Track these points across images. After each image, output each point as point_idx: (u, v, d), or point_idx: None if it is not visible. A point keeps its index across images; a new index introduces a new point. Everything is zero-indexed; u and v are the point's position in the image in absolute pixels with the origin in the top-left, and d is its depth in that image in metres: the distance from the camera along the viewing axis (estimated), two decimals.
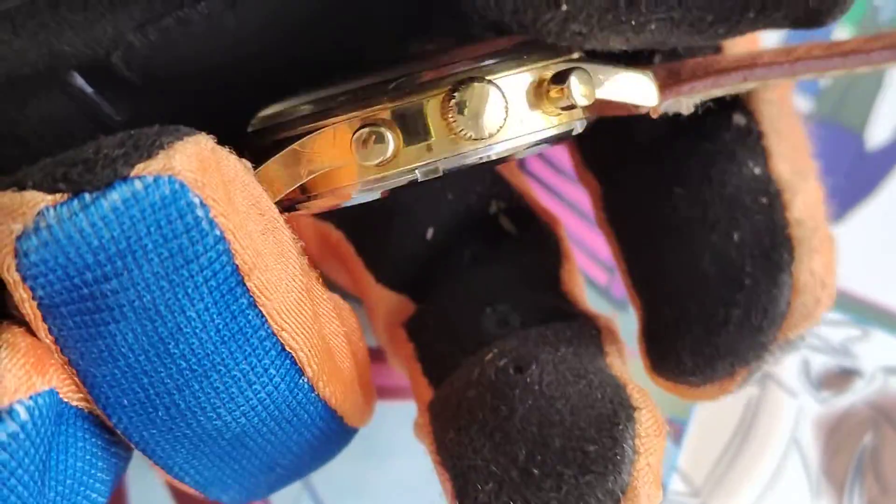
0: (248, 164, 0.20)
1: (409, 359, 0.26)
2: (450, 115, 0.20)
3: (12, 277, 0.17)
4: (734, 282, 0.23)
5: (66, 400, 0.19)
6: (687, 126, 0.25)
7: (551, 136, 0.22)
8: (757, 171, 0.24)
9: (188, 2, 0.21)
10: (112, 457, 0.21)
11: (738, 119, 0.25)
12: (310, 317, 0.21)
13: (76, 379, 0.19)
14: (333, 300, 0.23)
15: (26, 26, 0.20)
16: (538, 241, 0.27)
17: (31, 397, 0.18)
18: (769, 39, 0.34)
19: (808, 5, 0.20)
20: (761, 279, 0.23)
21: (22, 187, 0.17)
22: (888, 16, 0.37)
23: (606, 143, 0.26)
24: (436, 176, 0.21)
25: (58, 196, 0.17)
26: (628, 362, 0.25)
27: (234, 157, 0.19)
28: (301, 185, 0.21)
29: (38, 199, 0.17)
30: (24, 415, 0.18)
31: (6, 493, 0.18)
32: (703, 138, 0.25)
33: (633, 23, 0.20)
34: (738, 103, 0.25)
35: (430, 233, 0.26)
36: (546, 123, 0.21)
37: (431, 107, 0.20)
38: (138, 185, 0.17)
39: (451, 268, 0.26)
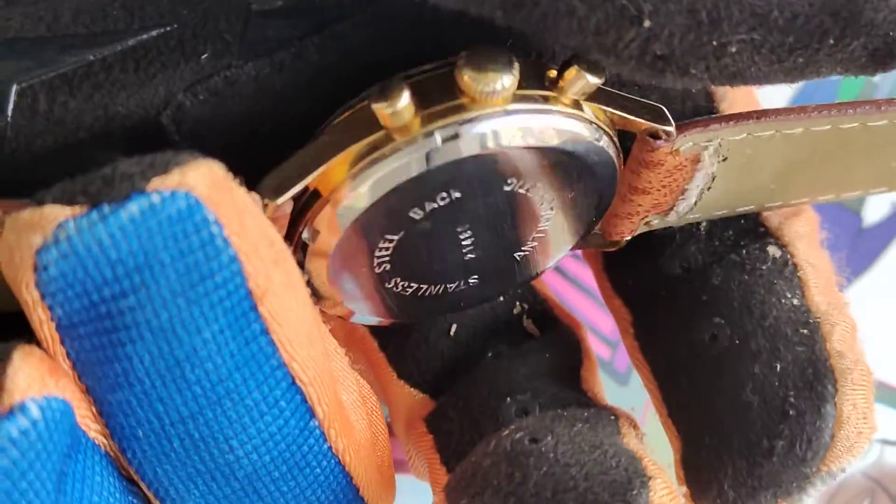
0: (258, 198, 0.20)
1: (427, 450, 0.26)
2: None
3: (31, 296, 0.17)
4: (778, 412, 0.23)
5: (82, 427, 0.19)
6: (720, 257, 0.25)
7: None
8: (795, 301, 0.25)
9: (236, 63, 0.21)
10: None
11: (774, 251, 0.25)
12: (320, 355, 0.20)
13: (93, 409, 0.19)
14: (354, 373, 0.23)
15: (82, 88, 0.21)
16: (560, 342, 0.27)
17: (44, 398, 0.17)
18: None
19: (890, 35, 0.20)
20: (806, 410, 0.23)
21: (41, 203, 0.17)
22: (886, 90, 0.38)
23: (636, 272, 0.27)
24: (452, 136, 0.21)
25: (77, 209, 0.17)
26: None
27: (243, 189, 0.19)
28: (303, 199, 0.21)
29: (57, 213, 0.17)
30: (35, 412, 0.17)
31: (17, 497, 0.16)
32: (740, 270, 0.25)
33: (715, 43, 0.19)
34: (770, 236, 0.26)
35: (453, 329, 0.27)
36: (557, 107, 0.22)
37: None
38: (155, 198, 0.17)
39: (474, 364, 0.27)
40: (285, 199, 0.21)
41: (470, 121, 0.21)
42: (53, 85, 0.20)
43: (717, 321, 0.25)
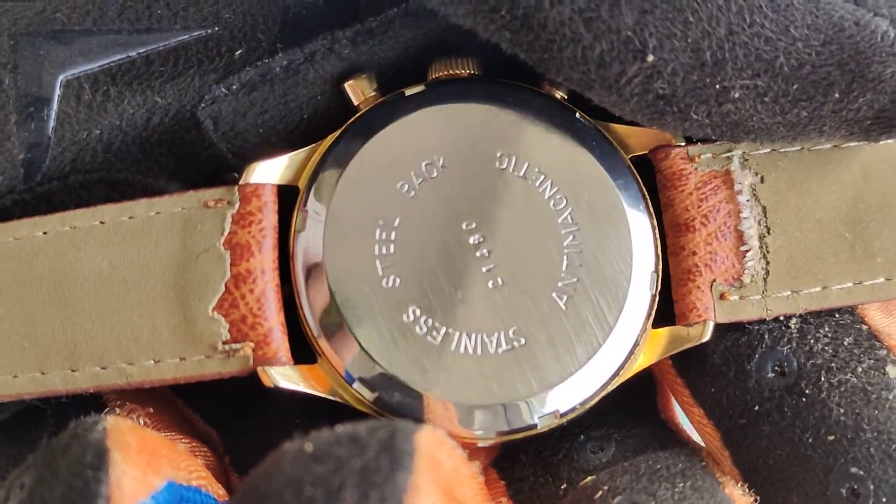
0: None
1: (499, 495, 0.24)
2: None
3: None
4: None
5: (185, 483, 0.20)
6: (827, 368, 0.23)
7: None
8: None
9: (267, 54, 0.22)
10: None
11: (894, 372, 0.23)
12: None
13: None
14: None
15: (124, 79, 0.22)
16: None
17: (151, 496, 0.18)
18: None
19: None
20: None
21: None
22: None
23: (719, 376, 0.24)
24: None
25: None
26: None
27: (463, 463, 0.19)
28: None
29: None
30: None
31: None
32: (865, 401, 0.22)
33: (718, 87, 0.19)
34: (877, 340, 0.23)
35: None
36: None
37: None
38: None
39: None
40: (258, 169, 0.22)
41: (437, 80, 0.22)
42: (98, 79, 0.22)
43: (854, 472, 0.22)
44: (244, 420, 0.24)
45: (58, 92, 0.21)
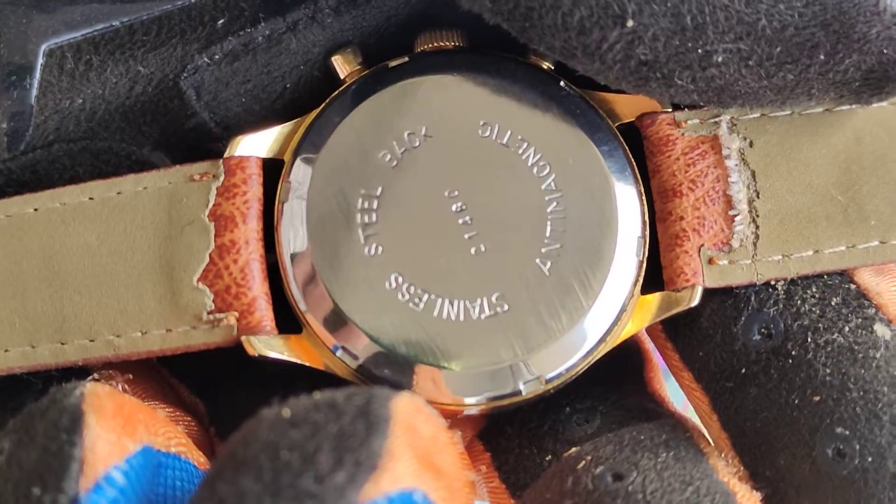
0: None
1: (486, 468, 0.24)
2: None
3: None
4: None
5: (163, 449, 0.20)
6: (814, 329, 0.22)
7: None
8: None
9: (249, 23, 0.22)
10: None
11: (882, 331, 0.22)
12: None
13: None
14: None
15: (107, 48, 0.22)
16: (620, 345, 0.24)
17: (125, 461, 0.18)
18: None
19: (885, 54, 0.19)
20: None
21: None
22: None
23: (707, 339, 0.23)
24: None
25: None
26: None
27: (434, 420, 0.19)
28: None
29: None
30: (120, 480, 0.18)
31: None
32: (851, 360, 0.22)
33: (700, 51, 0.19)
34: (865, 299, 0.23)
35: None
36: None
37: None
38: None
39: None
40: (242, 143, 0.22)
41: (420, 53, 0.23)
42: (81, 48, 0.22)
43: (840, 432, 0.21)
44: (231, 391, 0.24)
45: (40, 60, 0.21)
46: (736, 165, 0.23)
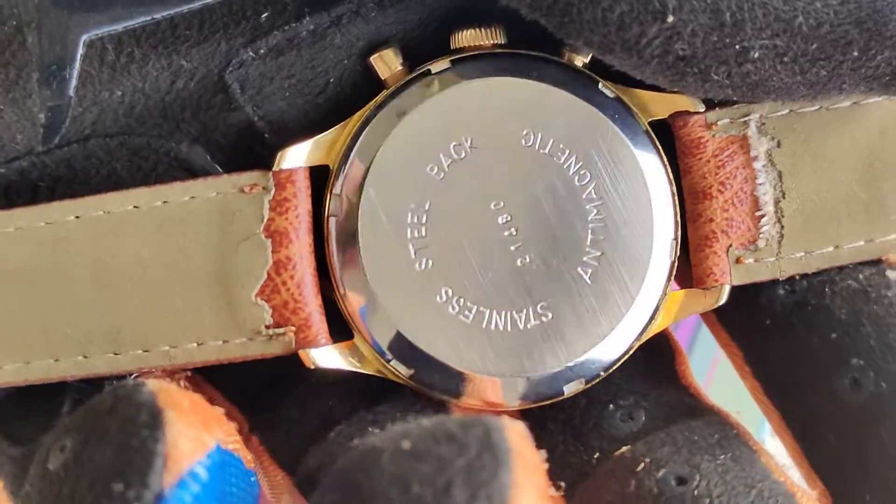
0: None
1: None
2: None
3: None
4: None
5: (227, 447, 0.20)
6: (832, 280, 0.24)
7: None
8: None
9: (293, 17, 0.22)
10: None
11: (894, 275, 0.24)
12: None
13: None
14: None
15: (149, 41, 0.22)
16: (652, 340, 0.25)
17: (207, 456, 0.19)
18: None
19: None
20: None
21: None
22: None
23: (734, 297, 0.24)
24: None
25: None
26: None
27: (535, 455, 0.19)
28: None
29: None
30: (203, 475, 0.18)
31: None
32: (865, 300, 0.23)
33: (738, 47, 0.20)
34: (882, 262, 0.24)
35: None
36: None
37: None
38: None
39: None
40: (290, 155, 0.22)
41: (463, 57, 0.23)
42: (122, 40, 0.22)
43: (855, 363, 0.23)
44: (271, 399, 0.24)
45: (80, 51, 0.21)
46: (763, 167, 0.23)
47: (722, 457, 0.22)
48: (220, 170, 0.24)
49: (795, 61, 0.20)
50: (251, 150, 0.24)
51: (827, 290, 0.24)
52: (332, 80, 0.23)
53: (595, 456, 0.23)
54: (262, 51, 0.23)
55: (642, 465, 0.22)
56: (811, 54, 0.20)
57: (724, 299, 0.24)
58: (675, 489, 0.21)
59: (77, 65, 0.21)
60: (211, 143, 0.23)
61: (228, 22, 0.22)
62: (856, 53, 0.20)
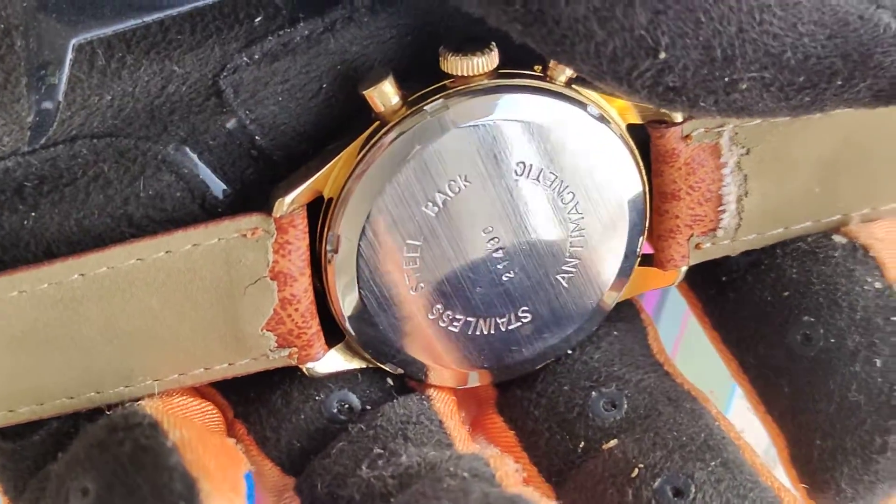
0: None
1: (509, 447, 0.26)
2: None
3: None
4: (886, 408, 0.24)
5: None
6: (783, 242, 0.26)
7: None
8: (877, 285, 0.25)
9: (287, 23, 0.22)
10: None
11: (839, 239, 0.26)
12: None
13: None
14: None
15: (140, 45, 0.22)
16: (623, 314, 0.27)
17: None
18: None
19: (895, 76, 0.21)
20: None
21: None
22: None
23: (699, 268, 0.26)
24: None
25: None
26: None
27: None
28: None
29: None
30: None
31: None
32: (814, 260, 0.25)
33: (727, 79, 0.20)
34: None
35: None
36: None
37: None
38: None
39: None
40: (290, 202, 0.23)
41: (456, 93, 0.23)
42: (112, 44, 0.22)
43: (806, 320, 0.25)
44: (254, 385, 0.25)
45: (70, 56, 0.21)
46: (731, 171, 0.25)
47: (713, 463, 0.23)
48: (209, 171, 0.24)
49: (782, 90, 0.21)
50: (241, 151, 0.24)
51: (778, 250, 0.26)
52: (324, 84, 0.23)
53: (581, 445, 0.25)
54: (256, 56, 0.22)
55: (636, 471, 0.23)
56: (798, 84, 0.21)
57: (680, 279, 0.26)
58: (673, 501, 0.22)
59: (66, 69, 0.21)
60: (200, 144, 0.23)
61: (221, 26, 0.22)
62: (839, 82, 0.21)
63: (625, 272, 0.26)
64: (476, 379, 0.26)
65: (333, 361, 0.25)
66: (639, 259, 0.26)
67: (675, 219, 0.25)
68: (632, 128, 0.25)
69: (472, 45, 0.23)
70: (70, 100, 0.22)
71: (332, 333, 0.25)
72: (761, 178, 0.25)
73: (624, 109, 0.24)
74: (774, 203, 0.25)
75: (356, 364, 0.25)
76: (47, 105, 0.21)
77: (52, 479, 0.21)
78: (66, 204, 0.23)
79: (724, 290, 0.27)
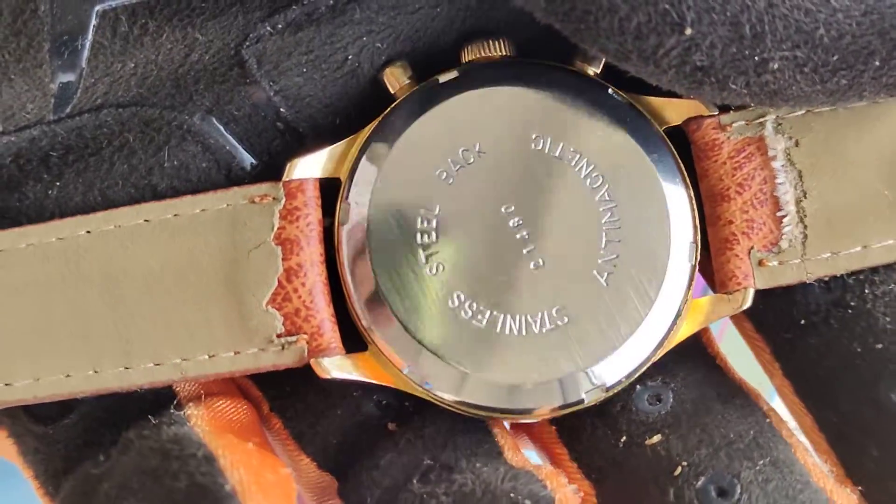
0: None
1: (551, 442, 0.25)
2: None
3: None
4: None
5: None
6: (870, 280, 0.23)
7: None
8: None
9: None
10: None
11: None
12: None
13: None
14: None
15: (163, 13, 0.21)
16: None
17: None
18: None
19: None
20: None
21: None
22: None
23: (769, 306, 0.24)
24: None
25: None
26: None
27: None
28: None
29: None
30: None
31: None
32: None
33: (757, 58, 0.19)
34: None
35: None
36: None
37: None
38: None
39: None
40: (300, 165, 0.22)
41: (471, 65, 0.22)
42: (136, 11, 0.22)
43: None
44: (290, 379, 0.24)
45: (93, 22, 0.21)
46: (782, 166, 0.23)
47: (761, 462, 0.22)
48: (235, 141, 0.23)
49: (816, 71, 0.20)
50: (267, 123, 0.23)
51: (867, 291, 0.23)
52: (350, 56, 0.23)
53: (622, 440, 0.23)
54: (279, 26, 0.22)
55: (680, 469, 0.22)
56: (832, 65, 0.20)
57: (748, 303, 0.23)
58: (717, 501, 0.21)
59: (90, 35, 0.21)
60: (225, 114, 0.23)
61: None
62: (877, 63, 0.20)
63: (677, 286, 0.23)
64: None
65: (351, 368, 0.23)
66: (694, 276, 0.23)
67: (729, 224, 0.23)
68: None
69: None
70: (93, 66, 0.22)
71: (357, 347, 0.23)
72: (817, 175, 0.23)
73: (657, 112, 0.23)
74: (840, 208, 0.23)
75: (381, 382, 0.23)
76: (70, 71, 0.21)
77: (100, 496, 0.20)
78: (90, 174, 0.23)
79: (802, 334, 0.24)
